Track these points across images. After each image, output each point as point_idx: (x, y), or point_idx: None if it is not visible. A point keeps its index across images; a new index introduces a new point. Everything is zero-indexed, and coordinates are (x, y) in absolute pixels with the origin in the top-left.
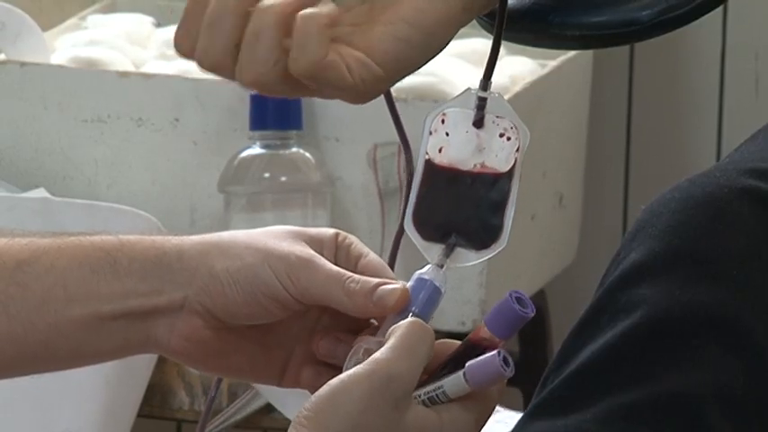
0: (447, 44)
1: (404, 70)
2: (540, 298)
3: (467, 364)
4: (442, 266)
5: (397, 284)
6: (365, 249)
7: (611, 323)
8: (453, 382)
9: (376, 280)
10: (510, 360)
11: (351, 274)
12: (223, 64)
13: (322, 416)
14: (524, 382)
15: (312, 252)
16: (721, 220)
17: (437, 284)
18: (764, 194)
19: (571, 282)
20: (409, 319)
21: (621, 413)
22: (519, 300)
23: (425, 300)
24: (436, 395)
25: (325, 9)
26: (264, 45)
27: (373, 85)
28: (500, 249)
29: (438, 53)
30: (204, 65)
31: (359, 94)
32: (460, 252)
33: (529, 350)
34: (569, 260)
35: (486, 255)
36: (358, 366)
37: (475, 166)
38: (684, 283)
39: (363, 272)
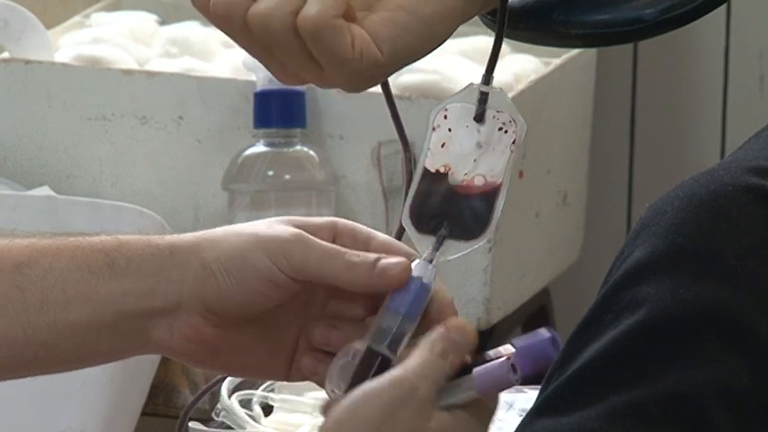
0: (448, 35)
1: (402, 57)
2: (544, 296)
3: (475, 374)
4: (431, 261)
5: (399, 258)
6: (372, 231)
7: (615, 321)
8: (466, 396)
9: (376, 254)
10: (518, 368)
11: (347, 250)
12: (236, 7)
13: (344, 425)
14: (528, 380)
15: (304, 232)
16: (725, 219)
17: (425, 281)
18: None
19: (575, 280)
20: (440, 330)
21: (625, 411)
22: (553, 340)
23: (413, 297)
24: (448, 406)
25: None
26: None
27: (371, 66)
28: (487, 239)
29: (439, 44)
30: (218, 10)
31: (356, 72)
32: (450, 244)
33: None
34: (573, 258)
35: (473, 245)
36: (384, 376)
37: (474, 162)
38: (688, 282)
39: (378, 250)
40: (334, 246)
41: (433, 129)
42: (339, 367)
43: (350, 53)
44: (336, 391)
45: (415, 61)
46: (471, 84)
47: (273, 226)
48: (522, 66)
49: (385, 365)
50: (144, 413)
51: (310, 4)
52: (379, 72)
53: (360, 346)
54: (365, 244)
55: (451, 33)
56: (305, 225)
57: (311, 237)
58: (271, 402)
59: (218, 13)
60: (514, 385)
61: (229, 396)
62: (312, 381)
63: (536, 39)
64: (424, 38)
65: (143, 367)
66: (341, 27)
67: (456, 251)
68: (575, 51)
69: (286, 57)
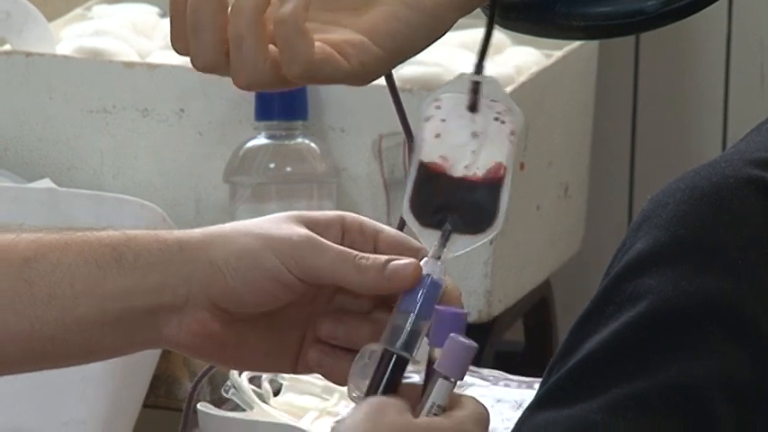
0: (449, 27)
1: (404, 51)
2: (545, 288)
3: (435, 366)
4: (439, 258)
5: (409, 260)
6: (379, 224)
7: (617, 313)
8: (439, 391)
9: (386, 257)
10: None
11: (357, 252)
12: (217, 65)
13: None
14: (530, 372)
15: (313, 234)
16: (726, 210)
17: (435, 278)
18: None
19: (576, 272)
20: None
21: (627, 403)
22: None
23: (425, 297)
24: (434, 413)
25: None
26: (249, 47)
27: (374, 66)
28: (495, 233)
29: (440, 36)
30: (198, 67)
31: (360, 77)
32: (457, 238)
33: (534, 340)
34: (574, 250)
35: (481, 239)
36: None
37: (472, 153)
38: (690, 273)
39: (386, 244)
40: (344, 249)
41: (426, 120)
42: (358, 370)
43: (349, 68)
44: (358, 393)
45: (417, 54)
46: (462, 74)
47: (283, 226)
48: (523, 58)
49: (402, 366)
50: (145, 405)
51: (287, 54)
52: (383, 67)
53: (376, 347)
54: (373, 238)
55: (452, 25)
56: (314, 223)
57: (321, 239)
58: (280, 380)
59: (199, 70)
60: (473, 345)
61: (240, 373)
62: (318, 373)
63: (538, 31)
64: (425, 31)
65: (144, 359)
66: (328, 56)
67: (463, 245)
68: (576, 43)
69: (286, 88)
